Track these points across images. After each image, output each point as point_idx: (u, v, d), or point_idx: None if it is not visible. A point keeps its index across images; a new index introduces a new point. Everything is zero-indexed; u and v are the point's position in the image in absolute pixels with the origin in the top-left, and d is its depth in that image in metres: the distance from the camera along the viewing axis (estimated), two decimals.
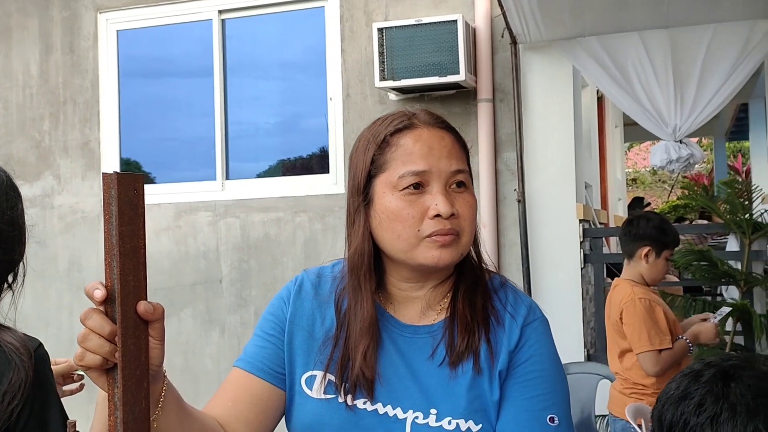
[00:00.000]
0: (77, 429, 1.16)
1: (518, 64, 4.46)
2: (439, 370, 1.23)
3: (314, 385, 1.26)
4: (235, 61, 5.17)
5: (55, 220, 5.33)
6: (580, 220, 4.46)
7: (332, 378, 1.25)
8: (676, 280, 5.56)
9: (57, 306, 5.26)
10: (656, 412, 1.12)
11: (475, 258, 1.31)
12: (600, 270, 4.64)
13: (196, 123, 5.30)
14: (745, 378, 1.05)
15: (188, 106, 5.39)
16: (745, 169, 12.08)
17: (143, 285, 0.89)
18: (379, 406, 1.22)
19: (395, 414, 1.21)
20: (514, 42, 4.41)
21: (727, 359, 1.10)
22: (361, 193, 1.25)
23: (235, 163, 5.14)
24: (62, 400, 1.41)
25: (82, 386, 2.21)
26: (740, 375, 1.06)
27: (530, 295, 4.29)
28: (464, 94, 4.53)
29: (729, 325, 4.05)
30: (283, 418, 1.31)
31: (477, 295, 1.27)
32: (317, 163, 5.02)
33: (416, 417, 1.21)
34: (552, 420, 1.21)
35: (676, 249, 3.45)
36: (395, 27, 4.31)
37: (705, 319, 3.22)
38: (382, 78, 4.33)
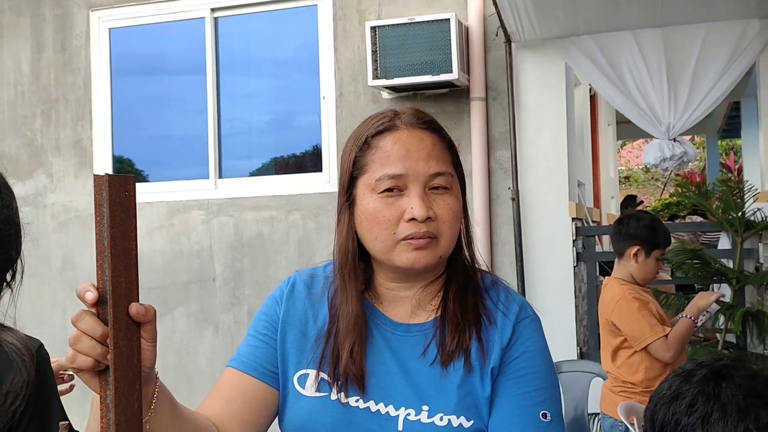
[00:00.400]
0: (75, 429, 1.16)
1: (511, 62, 4.46)
2: (430, 368, 1.24)
3: (307, 383, 1.27)
4: (227, 59, 5.16)
5: (48, 218, 5.31)
6: (573, 219, 4.47)
7: (324, 376, 1.26)
8: (669, 278, 5.58)
9: (50, 305, 5.25)
10: (648, 412, 1.13)
11: (468, 258, 1.31)
12: (593, 268, 4.65)
13: (189, 121, 5.29)
14: (736, 378, 1.06)
15: (181, 104, 5.38)
16: (737, 166, 12.12)
17: (135, 287, 0.89)
18: (371, 404, 1.23)
19: (387, 411, 1.22)
20: (507, 40, 4.41)
21: (718, 359, 1.11)
22: (345, 193, 1.27)
23: (228, 161, 5.13)
24: None
25: (72, 387, 2.20)
26: (731, 375, 1.07)
27: (523, 294, 4.31)
28: (457, 93, 4.53)
29: (721, 323, 4.07)
30: (276, 418, 1.31)
31: (468, 294, 1.27)
32: (310, 162, 5.02)
33: (408, 414, 1.21)
34: (544, 416, 1.22)
35: (669, 247, 3.46)
36: (388, 25, 4.31)
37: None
38: (375, 76, 4.33)
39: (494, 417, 1.22)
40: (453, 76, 4.22)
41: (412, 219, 1.20)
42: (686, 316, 3.06)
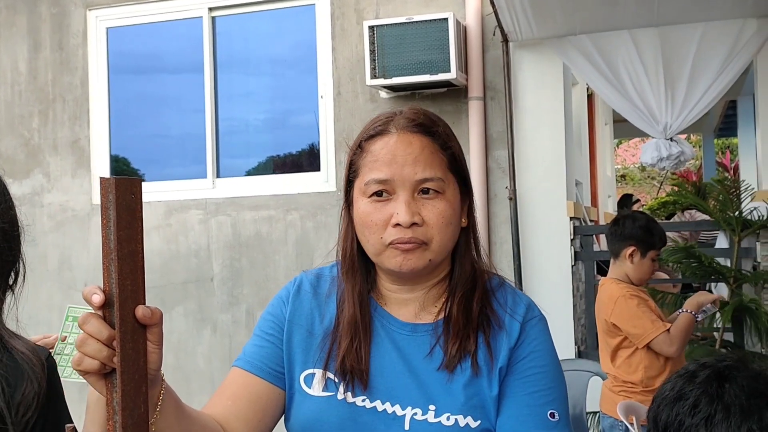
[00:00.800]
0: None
1: (509, 61, 4.46)
2: (437, 368, 1.24)
3: (313, 382, 1.27)
4: (225, 58, 5.15)
5: (45, 218, 5.30)
6: (571, 218, 4.48)
7: (331, 376, 1.26)
8: (667, 277, 5.59)
9: (47, 305, 5.24)
10: (651, 413, 1.13)
11: (475, 259, 1.31)
12: (590, 267, 4.66)
13: (187, 120, 5.29)
14: (739, 379, 1.06)
15: (178, 103, 5.37)
16: (733, 165, 12.15)
17: (141, 289, 0.89)
18: (377, 403, 1.23)
19: (394, 411, 1.22)
20: (505, 40, 4.42)
21: (721, 360, 1.11)
22: (345, 195, 1.30)
23: (226, 160, 5.13)
24: None
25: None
26: (734, 376, 1.07)
27: None
28: (455, 92, 4.54)
29: (718, 322, 4.08)
30: (282, 418, 1.31)
31: (473, 300, 1.27)
32: (307, 161, 5.02)
33: (415, 413, 1.21)
34: (552, 415, 1.22)
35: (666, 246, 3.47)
36: (386, 25, 4.31)
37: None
38: (373, 76, 4.33)
39: (502, 417, 1.22)
40: (451, 75, 4.23)
41: (398, 224, 1.20)
42: (686, 311, 3.07)
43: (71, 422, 1.32)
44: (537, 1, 3.98)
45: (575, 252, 4.50)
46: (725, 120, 9.71)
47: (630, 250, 3.17)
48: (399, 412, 1.22)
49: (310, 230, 4.82)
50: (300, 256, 4.80)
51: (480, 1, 4.48)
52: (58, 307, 5.21)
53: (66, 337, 1.67)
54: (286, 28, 5.09)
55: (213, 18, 5.10)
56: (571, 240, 4.47)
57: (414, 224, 1.20)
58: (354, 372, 1.24)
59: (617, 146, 16.26)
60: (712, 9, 3.98)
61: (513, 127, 4.46)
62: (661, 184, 15.12)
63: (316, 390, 1.26)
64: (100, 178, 0.87)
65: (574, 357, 4.34)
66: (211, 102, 5.09)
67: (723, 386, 1.06)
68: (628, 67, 4.16)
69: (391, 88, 4.48)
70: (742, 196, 4.13)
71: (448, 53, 4.22)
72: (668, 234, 3.58)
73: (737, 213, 4.08)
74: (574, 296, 4.47)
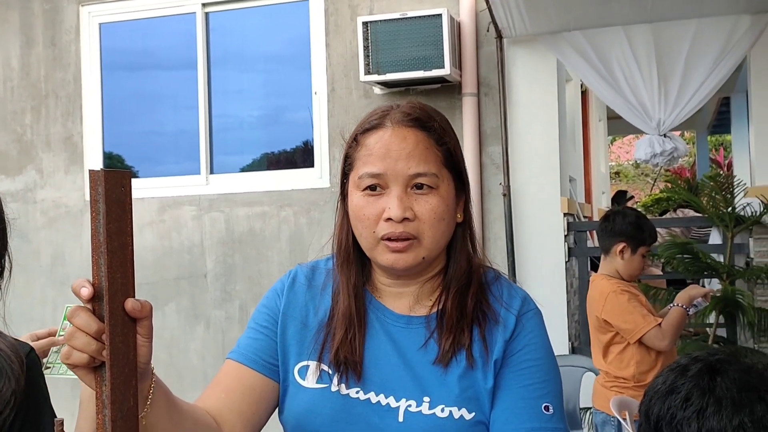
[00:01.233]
0: (64, 429, 1.15)
1: (503, 58, 4.46)
2: (431, 360, 1.24)
3: (307, 374, 1.27)
4: (219, 54, 5.14)
5: (38, 214, 5.29)
6: (565, 214, 4.48)
7: (325, 367, 1.26)
8: (659, 273, 5.60)
9: (40, 301, 5.23)
10: (643, 407, 1.13)
11: (471, 254, 1.31)
12: (584, 263, 4.67)
13: (180, 116, 5.27)
14: (730, 372, 1.07)
15: (172, 99, 5.35)
16: (726, 162, 12.18)
17: (131, 282, 0.89)
18: (371, 395, 1.23)
19: (388, 402, 1.22)
20: (499, 36, 4.41)
21: (713, 354, 1.11)
22: (341, 187, 1.30)
23: (219, 157, 5.12)
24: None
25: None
26: (726, 369, 1.07)
27: None
28: (449, 89, 4.53)
29: (712, 317, 4.09)
30: (276, 411, 1.31)
31: (468, 296, 1.27)
32: (301, 157, 5.01)
33: (409, 405, 1.21)
34: (547, 408, 1.22)
35: (659, 242, 3.47)
36: (380, 21, 4.31)
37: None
38: (367, 72, 4.32)
39: (496, 409, 1.22)
40: (445, 71, 4.22)
41: (390, 219, 1.20)
42: (678, 305, 3.08)
43: (53, 417, 1.30)
44: None
45: (569, 248, 4.50)
46: (719, 117, 9.73)
47: (620, 246, 3.18)
48: (393, 403, 1.22)
49: (304, 226, 4.81)
50: (293, 253, 4.80)
51: None
52: (51, 303, 5.20)
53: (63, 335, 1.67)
54: (280, 24, 5.08)
55: (206, 14, 5.09)
56: (565, 236, 4.47)
57: (406, 219, 1.20)
58: (348, 363, 1.24)
59: (611, 143, 16.29)
60: (705, 5, 3.99)
61: (507, 123, 4.46)
62: (654, 181, 15.15)
63: (310, 382, 1.26)
64: (90, 170, 0.86)
65: (567, 353, 4.36)
66: (205, 98, 5.07)
67: (715, 379, 1.06)
68: (622, 63, 4.16)
69: (385, 84, 4.48)
70: (735, 192, 4.14)
71: (442, 49, 4.21)
72: (660, 231, 3.59)
73: (730, 209, 4.09)
74: (567, 292, 4.48)
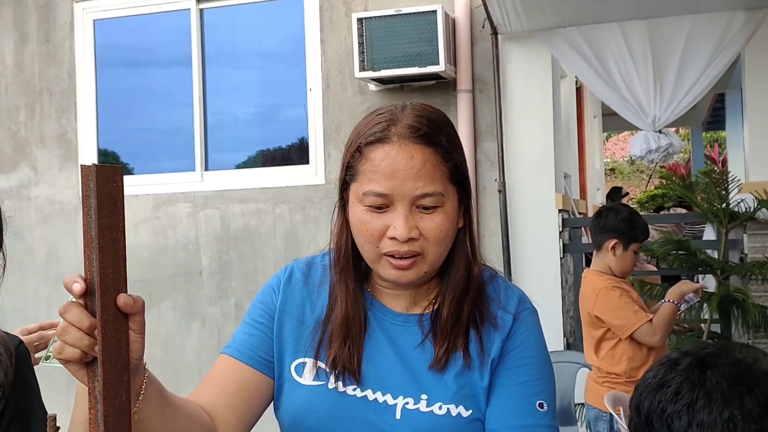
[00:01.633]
0: (57, 424, 1.15)
1: (498, 54, 4.47)
2: (428, 358, 1.24)
3: (304, 371, 1.27)
4: (213, 51, 5.13)
5: (32, 211, 5.28)
6: (560, 210, 4.49)
7: (322, 365, 1.26)
8: (654, 269, 5.61)
9: (34, 298, 5.22)
10: (634, 401, 1.14)
11: (470, 258, 1.29)
12: (579, 259, 4.68)
13: (175, 113, 5.26)
14: (721, 366, 1.07)
15: (166, 96, 5.35)
16: (721, 158, 12.20)
17: (123, 278, 0.89)
18: (369, 392, 1.23)
19: (385, 400, 1.22)
20: (494, 32, 4.41)
21: (703, 347, 1.12)
22: (340, 193, 1.27)
23: (214, 154, 5.11)
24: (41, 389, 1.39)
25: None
26: (716, 363, 1.08)
27: None
28: (444, 85, 4.53)
29: (705, 313, 4.11)
30: (272, 407, 1.31)
31: (465, 303, 1.26)
32: (296, 154, 5.01)
33: (407, 402, 1.22)
34: (541, 405, 1.23)
35: (654, 239, 3.48)
36: (375, 17, 4.30)
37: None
38: (362, 68, 4.32)
39: (492, 405, 1.23)
40: (440, 68, 4.22)
41: (394, 238, 1.18)
42: (669, 301, 3.09)
43: (43, 409, 1.31)
44: None
45: (564, 244, 4.51)
46: (713, 113, 9.75)
47: (612, 242, 3.19)
48: (390, 401, 1.22)
49: (299, 223, 4.81)
50: (289, 249, 4.80)
51: None
52: (45, 300, 5.19)
53: None
54: (275, 20, 5.07)
55: (201, 10, 5.08)
56: (560, 232, 4.48)
57: (411, 239, 1.18)
58: (347, 368, 1.24)
59: (606, 140, 16.31)
60: (700, 1, 3.99)
61: (502, 119, 4.47)
62: (649, 178, 15.17)
63: (307, 379, 1.26)
64: (81, 165, 0.86)
65: (562, 349, 4.37)
66: (200, 95, 5.07)
67: (705, 373, 1.06)
68: (617, 59, 4.17)
69: (380, 80, 4.48)
70: (730, 188, 4.15)
71: (437, 46, 4.21)
72: (653, 228, 3.59)
73: (724, 205, 4.10)
74: (562, 288, 4.49)
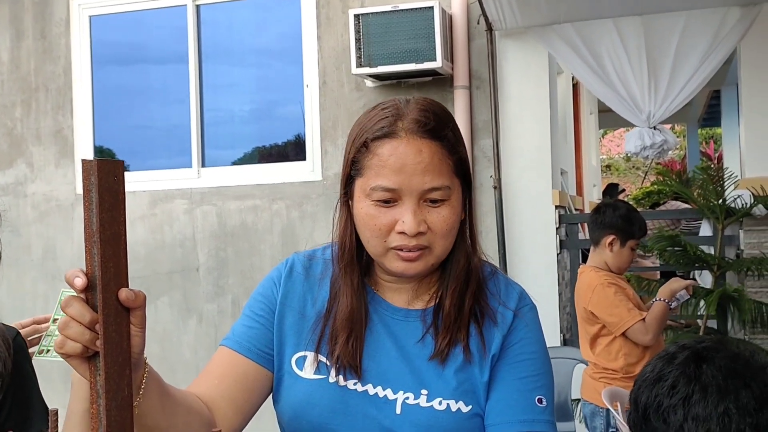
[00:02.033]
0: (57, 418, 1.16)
1: (494, 51, 4.47)
2: (429, 354, 1.25)
3: (305, 365, 1.27)
4: (210, 48, 5.12)
5: (29, 208, 5.27)
6: (556, 207, 4.50)
7: (323, 359, 1.26)
8: (649, 264, 5.62)
9: (32, 295, 5.21)
10: (633, 395, 1.15)
11: (470, 251, 1.29)
12: (576, 256, 4.69)
13: (171, 110, 5.26)
14: (717, 359, 1.08)
15: (163, 93, 5.34)
16: (717, 155, 12.22)
17: (124, 272, 0.89)
18: (369, 387, 1.24)
19: (386, 394, 1.23)
20: (489, 29, 4.42)
21: (700, 342, 1.13)
22: (344, 188, 1.26)
23: (211, 151, 5.11)
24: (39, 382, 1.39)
25: None
26: (713, 357, 1.08)
27: None
28: (441, 81, 4.54)
29: (702, 309, 4.12)
30: (271, 400, 1.31)
31: (466, 295, 1.27)
32: (293, 151, 5.01)
33: (407, 397, 1.22)
34: (540, 401, 1.24)
35: (649, 234, 3.49)
36: (372, 13, 4.30)
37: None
38: (359, 65, 4.32)
39: (491, 401, 1.24)
40: (437, 64, 4.23)
41: (403, 232, 1.19)
42: (660, 299, 3.10)
43: (42, 402, 1.31)
44: None
45: (560, 240, 4.52)
46: (709, 110, 9.77)
47: (610, 238, 3.20)
48: (391, 395, 1.23)
49: (296, 220, 4.81)
50: (286, 246, 4.80)
51: None
52: (42, 296, 5.19)
53: (57, 319, 1.67)
54: (271, 17, 5.07)
55: (197, 6, 5.07)
56: (557, 228, 4.49)
57: (419, 233, 1.19)
58: (349, 363, 1.24)
59: (602, 136, 16.33)
60: None
61: (498, 116, 4.47)
62: (645, 174, 15.20)
63: (308, 373, 1.26)
64: (82, 160, 0.86)
65: (559, 345, 4.38)
66: (196, 92, 5.06)
67: (701, 367, 1.07)
68: (612, 55, 4.17)
69: (377, 77, 4.48)
70: (726, 184, 4.16)
71: (434, 42, 4.22)
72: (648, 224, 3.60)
73: (721, 201, 4.11)
74: (559, 284, 4.50)
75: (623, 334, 3.09)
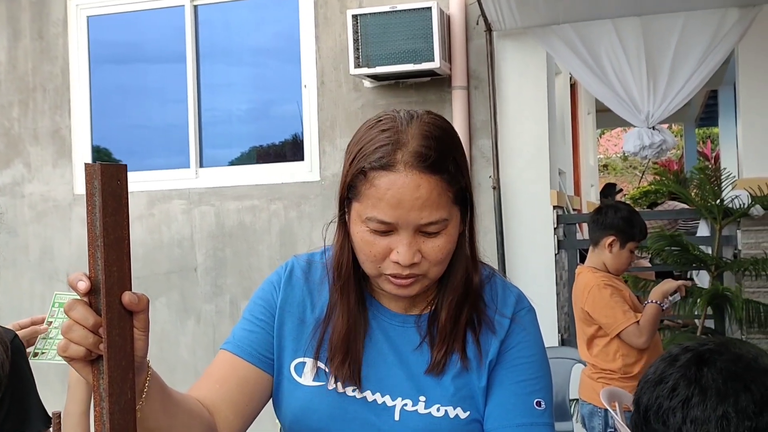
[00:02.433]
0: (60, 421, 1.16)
1: (492, 51, 4.47)
2: (426, 360, 1.25)
3: (304, 371, 1.27)
4: (207, 48, 5.12)
5: (26, 208, 5.26)
6: (554, 207, 4.50)
7: (321, 365, 1.26)
8: (648, 265, 5.64)
9: (29, 295, 5.21)
10: (635, 396, 1.15)
11: (469, 263, 1.28)
12: (574, 256, 4.70)
13: (169, 110, 5.25)
14: (718, 362, 1.07)
15: (160, 92, 5.33)
16: (714, 155, 12.25)
17: (128, 276, 0.89)
18: (368, 394, 1.24)
19: (384, 401, 1.23)
20: (488, 29, 4.42)
21: (703, 344, 1.12)
22: (340, 207, 1.24)
23: (209, 150, 5.11)
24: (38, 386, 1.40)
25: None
26: (714, 359, 1.08)
27: None
28: (439, 82, 4.54)
29: (698, 310, 4.13)
30: (272, 406, 1.31)
31: (464, 308, 1.26)
32: (290, 151, 5.01)
33: (405, 404, 1.22)
34: (538, 404, 1.24)
35: (649, 235, 3.49)
36: (370, 14, 4.30)
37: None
38: (357, 65, 4.32)
39: (490, 405, 1.24)
40: (435, 64, 4.23)
41: (397, 262, 1.18)
42: (652, 301, 3.11)
43: (40, 404, 1.31)
44: None
45: (558, 241, 4.53)
46: (706, 110, 9.78)
47: (610, 239, 3.21)
48: (389, 402, 1.23)
49: (294, 220, 4.81)
50: (284, 246, 4.80)
51: None
52: (39, 297, 5.18)
53: (51, 322, 1.66)
54: (269, 17, 5.07)
55: (195, 6, 5.07)
56: (555, 229, 4.50)
57: (413, 263, 1.18)
58: (347, 375, 1.24)
59: (600, 136, 16.35)
60: None
61: (496, 116, 4.48)
62: (642, 174, 15.22)
63: (307, 379, 1.26)
64: (85, 164, 0.86)
65: (557, 345, 4.38)
66: (194, 92, 5.06)
67: (701, 369, 1.07)
68: (611, 56, 4.18)
69: (375, 77, 4.48)
70: (723, 184, 4.17)
71: (432, 42, 4.22)
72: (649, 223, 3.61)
73: (718, 201, 4.12)
74: (557, 285, 4.50)
75: (618, 336, 3.10)
